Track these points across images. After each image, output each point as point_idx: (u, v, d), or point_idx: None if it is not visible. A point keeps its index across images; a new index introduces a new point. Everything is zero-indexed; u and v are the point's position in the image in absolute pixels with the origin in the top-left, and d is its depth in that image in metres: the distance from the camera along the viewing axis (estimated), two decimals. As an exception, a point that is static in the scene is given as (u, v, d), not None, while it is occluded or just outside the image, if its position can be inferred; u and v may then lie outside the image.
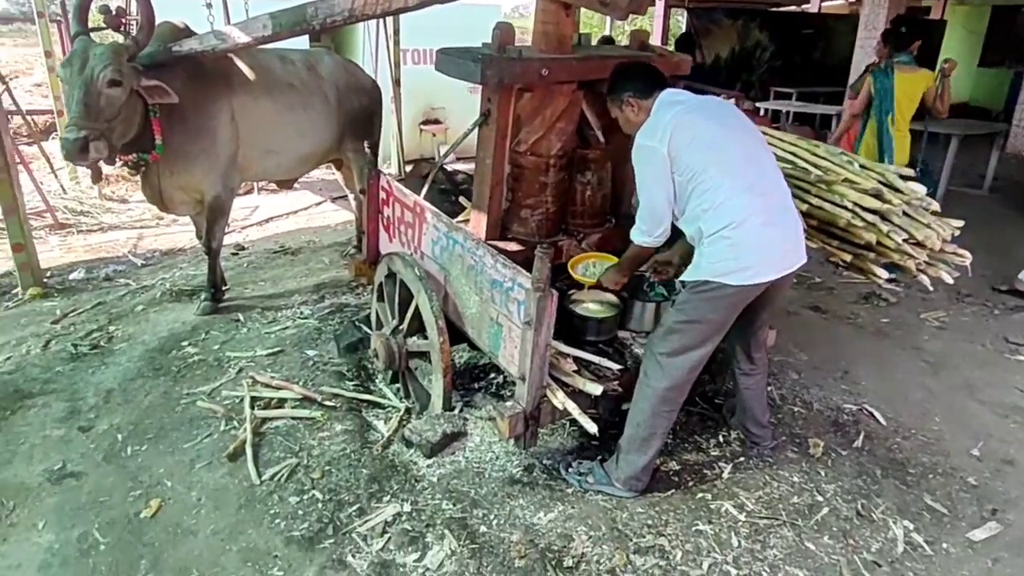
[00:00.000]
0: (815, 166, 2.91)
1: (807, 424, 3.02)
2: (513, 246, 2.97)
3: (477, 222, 2.99)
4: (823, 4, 13.70)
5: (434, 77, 2.96)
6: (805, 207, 2.81)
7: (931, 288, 2.93)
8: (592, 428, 2.37)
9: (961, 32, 14.68)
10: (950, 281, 2.77)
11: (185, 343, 3.67)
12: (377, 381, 3.33)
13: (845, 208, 2.73)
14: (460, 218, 3.36)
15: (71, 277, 4.96)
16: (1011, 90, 13.24)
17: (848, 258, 2.82)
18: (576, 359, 2.65)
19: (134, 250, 5.77)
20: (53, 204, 6.57)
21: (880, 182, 2.80)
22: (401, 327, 3.00)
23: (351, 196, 5.05)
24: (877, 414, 3.09)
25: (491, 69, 2.52)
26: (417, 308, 2.85)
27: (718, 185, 2.24)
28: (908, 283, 4.21)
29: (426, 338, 2.92)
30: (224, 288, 4.25)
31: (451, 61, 2.68)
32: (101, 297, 4.46)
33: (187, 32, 3.57)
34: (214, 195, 3.78)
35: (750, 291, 2.28)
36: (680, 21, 13.92)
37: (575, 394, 2.49)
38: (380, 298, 3.25)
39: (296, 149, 4.13)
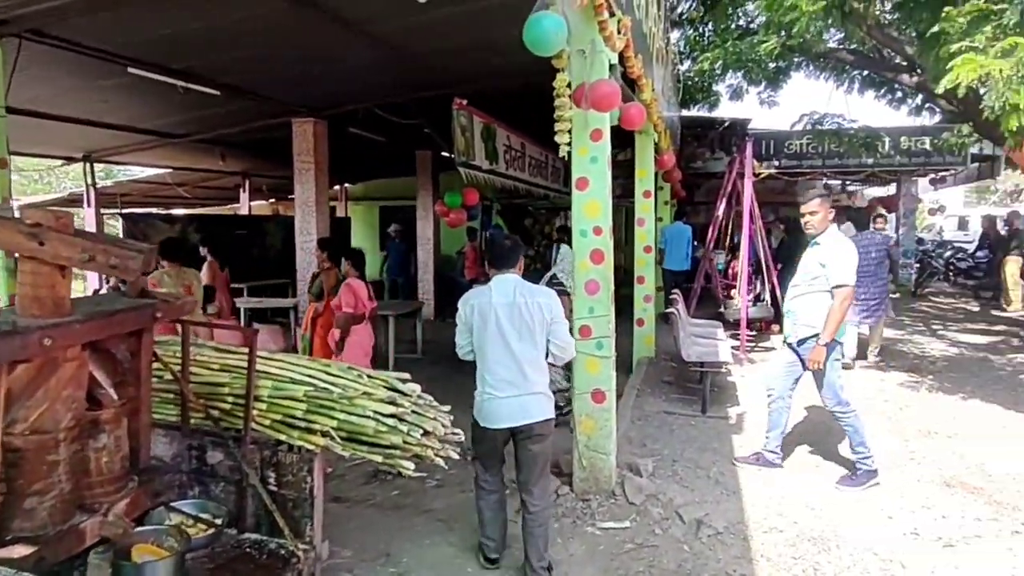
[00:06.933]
0: (334, 384, 3.25)
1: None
2: (21, 549, 2.40)
3: (-41, 535, 2.32)
4: (251, 204, 14.95)
5: None
6: (335, 423, 3.12)
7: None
8: None
9: (362, 225, 18.05)
10: (457, 458, 3.41)
11: None
12: None
13: (369, 417, 3.14)
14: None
15: None
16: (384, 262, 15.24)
17: (379, 459, 3.20)
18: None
19: None
20: None
21: (386, 387, 3.31)
22: None
23: None
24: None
25: (-17, 351, 2.11)
26: None
27: (480, 359, 3.63)
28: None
29: None
30: None
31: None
32: None
33: None
34: None
35: (494, 433, 3.57)
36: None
37: None
38: None
39: None
